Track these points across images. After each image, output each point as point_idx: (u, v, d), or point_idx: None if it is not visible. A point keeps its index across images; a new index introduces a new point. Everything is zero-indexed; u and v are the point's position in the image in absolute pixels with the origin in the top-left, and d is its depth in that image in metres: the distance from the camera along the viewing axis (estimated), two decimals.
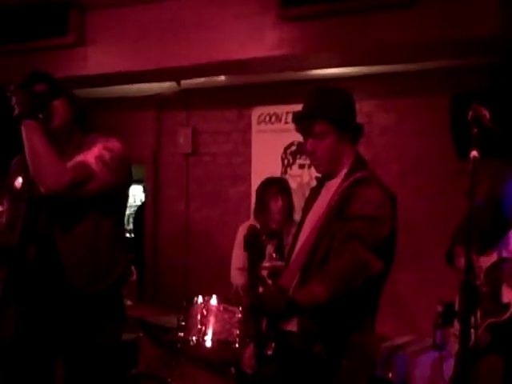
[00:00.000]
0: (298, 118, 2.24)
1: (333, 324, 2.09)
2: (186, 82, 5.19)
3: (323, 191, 2.29)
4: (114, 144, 2.41)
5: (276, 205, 3.69)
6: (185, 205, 5.58)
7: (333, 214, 2.12)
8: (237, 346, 3.03)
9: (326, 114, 2.15)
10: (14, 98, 2.18)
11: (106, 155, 2.32)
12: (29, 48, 4.53)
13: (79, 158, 2.29)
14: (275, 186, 3.76)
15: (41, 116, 2.22)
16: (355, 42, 3.92)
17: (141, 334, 3.78)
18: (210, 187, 5.49)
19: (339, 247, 2.03)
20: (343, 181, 2.18)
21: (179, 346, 3.17)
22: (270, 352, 2.21)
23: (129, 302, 3.66)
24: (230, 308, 3.11)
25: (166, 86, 5.36)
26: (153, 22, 4.32)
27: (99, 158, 2.29)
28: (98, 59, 4.55)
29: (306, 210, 2.36)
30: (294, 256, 2.29)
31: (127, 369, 3.39)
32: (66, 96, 2.36)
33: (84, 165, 2.26)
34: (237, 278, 3.90)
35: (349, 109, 2.22)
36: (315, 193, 2.35)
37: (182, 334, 3.18)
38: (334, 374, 2.12)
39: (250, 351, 2.66)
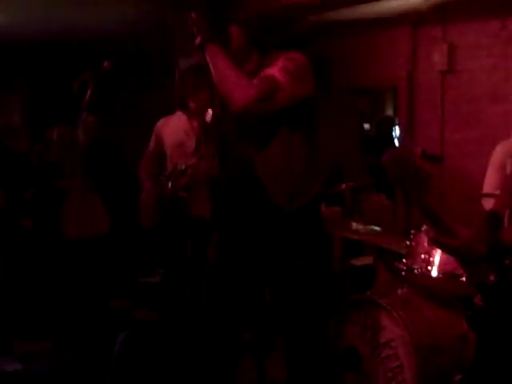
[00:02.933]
0: None
1: None
2: None
3: None
4: (296, 55, 2.33)
5: None
6: (439, 127, 5.24)
7: None
8: (464, 279, 2.81)
9: None
10: (195, 26, 2.22)
11: (290, 65, 2.26)
12: None
13: (263, 73, 2.26)
14: None
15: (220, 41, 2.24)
16: None
17: (376, 259, 3.74)
18: (467, 107, 5.05)
19: None
20: None
21: (403, 273, 3.07)
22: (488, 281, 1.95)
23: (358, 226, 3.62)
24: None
25: (419, 0, 4.99)
26: None
27: (283, 68, 2.25)
28: None
29: None
30: None
31: (364, 290, 3.40)
32: (243, 21, 2.35)
33: (269, 77, 2.23)
34: (485, 203, 3.60)
35: None
36: None
37: (407, 262, 3.07)
38: None
39: None
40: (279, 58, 2.31)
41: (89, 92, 2.81)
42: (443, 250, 1.83)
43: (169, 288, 3.95)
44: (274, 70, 2.25)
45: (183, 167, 3.67)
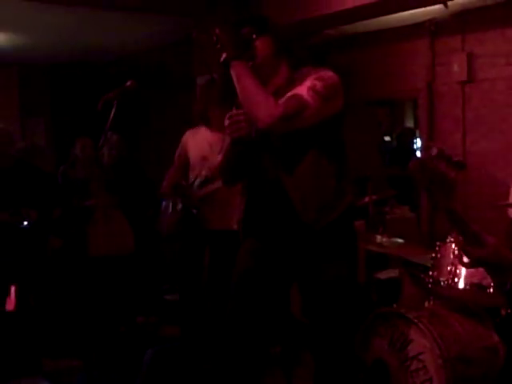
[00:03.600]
0: None
1: None
2: (458, 3, 4.76)
3: None
4: (327, 73, 2.33)
5: None
6: (461, 137, 5.21)
7: None
8: (491, 290, 2.80)
9: None
10: (220, 43, 2.22)
11: (318, 84, 2.26)
12: None
13: (291, 92, 2.27)
14: None
15: (246, 56, 2.25)
16: None
17: (402, 271, 3.72)
18: (488, 117, 5.02)
19: None
20: None
21: (430, 286, 3.06)
22: None
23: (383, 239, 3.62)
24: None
25: (437, 9, 5.00)
26: None
27: (311, 87, 2.25)
28: None
29: None
30: None
31: (390, 304, 3.40)
32: (269, 33, 2.35)
33: (295, 96, 2.24)
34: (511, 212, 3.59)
35: None
36: None
37: (433, 274, 3.06)
38: None
39: None
40: (309, 76, 2.31)
41: (113, 111, 2.85)
42: (472, 259, 1.81)
43: (187, 303, 3.97)
44: (303, 89, 2.25)
45: (203, 178, 3.71)
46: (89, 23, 5.71)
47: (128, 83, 2.90)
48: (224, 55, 2.24)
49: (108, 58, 7.46)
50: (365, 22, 5.11)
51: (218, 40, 2.23)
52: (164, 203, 3.91)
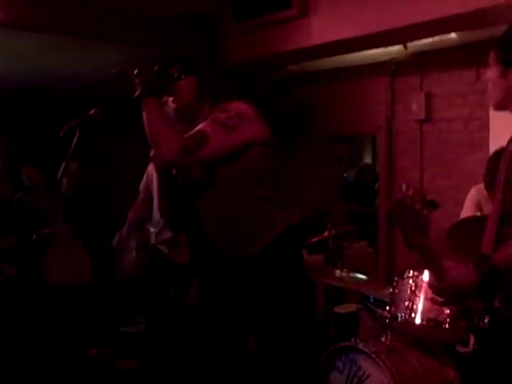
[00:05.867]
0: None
1: None
2: (418, 44, 4.91)
3: None
4: (233, 105, 2.38)
5: None
6: (419, 174, 5.33)
7: None
8: (447, 326, 2.82)
9: None
10: (137, 80, 2.29)
11: (221, 116, 2.31)
12: (256, 24, 4.70)
13: (197, 127, 2.32)
14: None
15: (164, 96, 2.35)
16: None
17: (359, 306, 3.74)
18: (445, 155, 5.15)
19: None
20: None
21: (387, 321, 3.07)
22: (483, 324, 1.98)
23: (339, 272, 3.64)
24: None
25: (396, 50, 5.14)
26: None
27: (213, 120, 2.30)
28: (321, 28, 4.53)
29: None
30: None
31: (348, 338, 3.40)
32: (195, 74, 2.44)
33: (197, 130, 2.29)
34: None
35: None
36: None
37: (390, 309, 3.08)
38: None
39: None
40: (216, 110, 2.37)
41: (75, 139, 2.83)
42: (444, 296, 1.88)
43: (151, 335, 3.91)
44: (206, 123, 2.31)
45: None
46: (51, 49, 5.66)
47: (92, 111, 2.88)
48: (137, 92, 2.31)
49: (68, 85, 7.40)
50: (327, 59, 5.22)
51: (135, 78, 2.30)
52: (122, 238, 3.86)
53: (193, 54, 2.48)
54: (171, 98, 2.42)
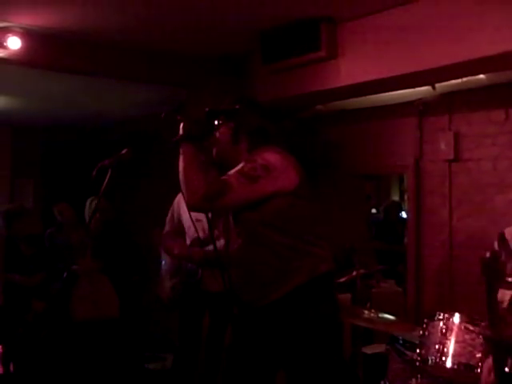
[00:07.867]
0: None
1: None
2: (446, 85, 4.93)
3: None
4: (262, 155, 2.40)
5: None
6: (448, 214, 5.29)
7: None
8: (478, 371, 2.78)
9: None
10: (181, 124, 2.40)
11: (246, 166, 2.35)
12: (284, 66, 4.76)
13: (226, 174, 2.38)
14: None
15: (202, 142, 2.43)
16: None
17: (388, 347, 3.69)
18: (474, 195, 5.12)
19: None
20: None
21: (417, 363, 3.03)
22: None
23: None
24: (473, 328, 2.87)
25: (425, 90, 5.17)
26: (399, 25, 4.19)
27: (239, 170, 2.34)
28: (349, 70, 4.57)
29: None
30: None
31: (376, 379, 3.35)
32: (235, 121, 2.49)
33: (222, 179, 2.33)
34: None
35: None
36: None
37: (420, 352, 3.04)
38: None
39: (487, 366, 2.41)
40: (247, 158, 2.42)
41: (107, 178, 2.88)
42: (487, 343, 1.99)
43: (180, 372, 3.88)
44: (232, 172, 2.35)
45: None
46: (85, 90, 5.81)
47: (124, 151, 2.94)
48: (178, 135, 2.40)
49: (102, 123, 7.56)
50: (355, 99, 5.26)
51: (180, 122, 2.41)
52: (163, 263, 3.87)
53: (220, 93, 2.54)
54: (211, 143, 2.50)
